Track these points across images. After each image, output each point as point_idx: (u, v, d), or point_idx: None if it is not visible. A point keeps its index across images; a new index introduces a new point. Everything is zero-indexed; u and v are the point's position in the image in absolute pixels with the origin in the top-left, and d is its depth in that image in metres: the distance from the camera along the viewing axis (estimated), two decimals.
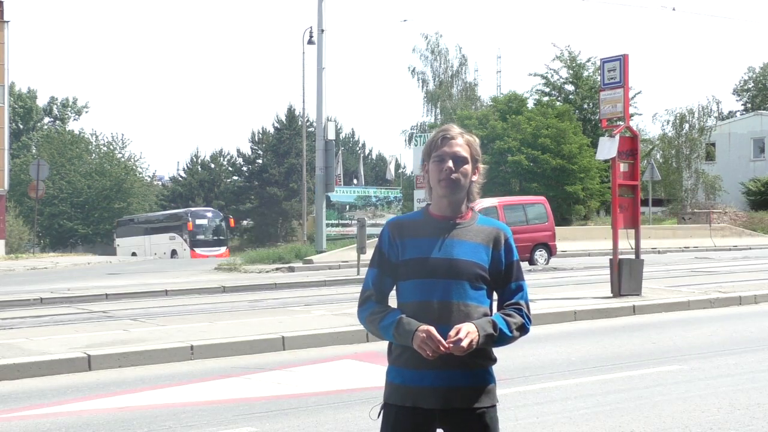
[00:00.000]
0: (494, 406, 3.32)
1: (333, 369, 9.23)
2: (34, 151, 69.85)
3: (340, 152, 54.72)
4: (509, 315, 3.28)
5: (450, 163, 3.28)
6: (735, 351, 9.85)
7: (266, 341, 10.39)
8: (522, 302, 3.33)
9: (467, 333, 3.12)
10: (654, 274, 18.86)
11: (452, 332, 3.12)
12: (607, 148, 14.84)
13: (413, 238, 3.31)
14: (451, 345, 3.10)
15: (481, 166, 3.37)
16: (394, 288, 3.39)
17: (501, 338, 3.23)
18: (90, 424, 6.83)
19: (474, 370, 3.27)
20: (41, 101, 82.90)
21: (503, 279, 3.32)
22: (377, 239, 3.43)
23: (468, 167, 3.31)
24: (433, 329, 3.14)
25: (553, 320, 12.35)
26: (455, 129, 3.35)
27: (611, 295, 14.65)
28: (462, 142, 3.32)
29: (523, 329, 3.29)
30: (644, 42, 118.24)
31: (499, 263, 3.31)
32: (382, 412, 3.35)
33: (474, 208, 3.39)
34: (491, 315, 3.29)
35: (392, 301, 3.38)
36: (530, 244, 25.29)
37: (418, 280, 3.27)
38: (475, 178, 3.34)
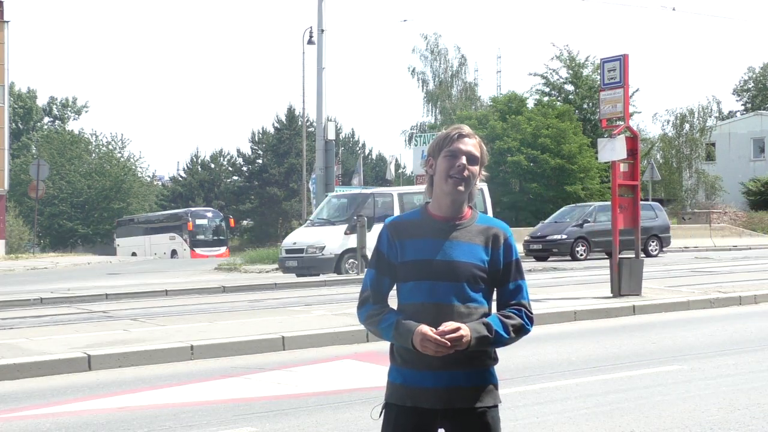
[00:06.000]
0: (496, 406, 3.30)
1: (333, 369, 9.22)
2: (34, 151, 69.82)
3: (339, 152, 54.70)
4: (507, 316, 3.25)
5: (464, 160, 3.27)
6: (735, 351, 9.84)
7: (266, 341, 10.39)
8: (524, 302, 3.31)
9: (456, 329, 3.11)
10: (654, 274, 18.84)
11: (442, 327, 3.12)
12: (609, 149, 14.81)
13: (412, 239, 3.29)
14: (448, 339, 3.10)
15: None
16: (395, 288, 3.38)
17: (497, 340, 3.21)
18: (90, 424, 6.82)
19: (475, 370, 3.25)
20: (41, 101, 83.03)
21: (501, 278, 3.30)
22: (376, 239, 3.41)
23: (477, 168, 3.31)
24: (428, 331, 3.12)
25: (553, 320, 12.33)
26: (468, 129, 3.36)
27: (611, 295, 14.63)
28: (475, 142, 3.33)
29: (522, 330, 3.26)
30: (644, 42, 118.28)
31: (497, 263, 3.28)
32: (383, 412, 3.34)
33: (474, 208, 3.38)
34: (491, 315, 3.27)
35: (392, 301, 3.37)
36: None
37: (417, 282, 3.25)
38: (477, 180, 3.35)
